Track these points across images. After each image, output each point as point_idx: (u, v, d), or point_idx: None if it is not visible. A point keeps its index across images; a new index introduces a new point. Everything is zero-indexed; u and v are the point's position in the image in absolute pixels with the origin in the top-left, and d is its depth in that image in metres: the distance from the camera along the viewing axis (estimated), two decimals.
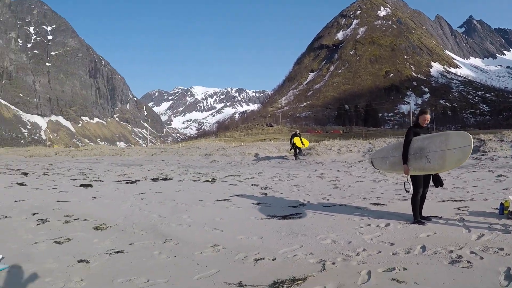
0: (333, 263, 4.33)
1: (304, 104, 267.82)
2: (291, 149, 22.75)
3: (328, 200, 8.72)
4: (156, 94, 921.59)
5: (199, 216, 7.35)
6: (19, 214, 8.37)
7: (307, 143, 22.81)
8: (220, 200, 8.80)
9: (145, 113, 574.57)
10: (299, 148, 21.94)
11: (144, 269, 4.59)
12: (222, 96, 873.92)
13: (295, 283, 3.76)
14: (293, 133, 23.35)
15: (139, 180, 13.62)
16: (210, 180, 12.45)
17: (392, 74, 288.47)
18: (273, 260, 4.57)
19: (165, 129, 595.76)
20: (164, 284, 4.09)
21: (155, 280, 4.21)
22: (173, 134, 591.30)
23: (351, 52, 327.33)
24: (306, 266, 4.30)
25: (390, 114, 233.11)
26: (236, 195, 9.37)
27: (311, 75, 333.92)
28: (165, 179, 13.16)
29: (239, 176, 12.96)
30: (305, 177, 13.25)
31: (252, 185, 11.38)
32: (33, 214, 8.29)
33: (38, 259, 5.24)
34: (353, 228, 5.89)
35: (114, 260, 5.00)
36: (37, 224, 7.34)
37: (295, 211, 7.49)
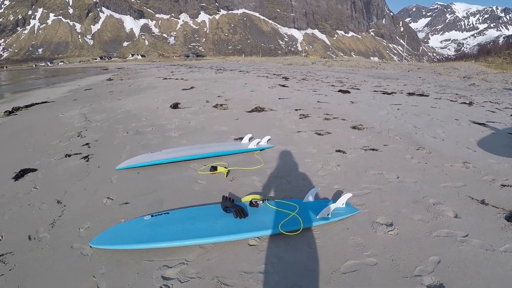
0: None
1: None
2: None
3: None
4: (414, 9, 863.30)
5: (453, 133, 7.18)
6: (283, 109, 9.66)
7: None
8: (476, 123, 8.32)
9: (401, 29, 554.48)
10: None
11: (396, 167, 4.92)
12: (486, 16, 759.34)
13: None
14: None
15: (395, 93, 13.66)
16: (467, 102, 11.73)
17: None
18: None
19: (421, 48, 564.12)
20: (412, 183, 4.36)
21: (404, 179, 4.52)
22: (429, 53, 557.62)
23: None
24: None
25: None
26: (493, 122, 8.72)
27: None
28: (421, 95, 12.89)
29: (498, 104, 11.81)
30: None
31: None
32: (296, 110, 9.47)
33: (300, 144, 6.19)
34: None
35: (368, 155, 5.50)
36: (299, 118, 8.42)
37: None
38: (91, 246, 3.11)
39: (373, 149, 5.79)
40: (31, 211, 3.89)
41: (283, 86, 15.95)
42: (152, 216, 3.45)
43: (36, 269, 2.87)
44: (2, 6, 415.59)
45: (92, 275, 2.76)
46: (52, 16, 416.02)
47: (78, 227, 3.47)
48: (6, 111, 11.00)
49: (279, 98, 11.64)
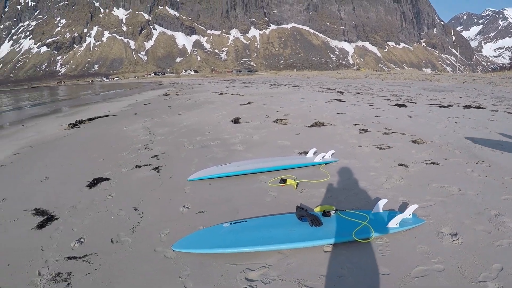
0: None
1: None
2: None
3: None
4: (465, 17, 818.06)
5: None
6: (342, 124, 9.83)
7: None
8: None
9: (453, 38, 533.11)
10: None
11: (457, 181, 4.99)
12: None
13: None
14: None
15: (451, 106, 13.38)
16: None
17: None
18: None
19: (474, 57, 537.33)
20: (474, 196, 4.44)
21: (466, 191, 4.59)
22: (483, 63, 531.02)
23: None
24: None
25: None
26: None
27: None
28: (478, 107, 12.56)
29: None
30: None
31: None
32: (355, 125, 9.62)
33: (363, 158, 6.35)
34: None
35: (430, 169, 5.59)
36: (360, 132, 8.57)
37: None
38: (173, 250, 3.37)
39: (434, 163, 5.86)
40: (110, 216, 4.25)
41: (339, 100, 16.06)
42: (231, 223, 3.72)
43: (121, 269, 3.16)
44: (59, 24, 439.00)
45: (178, 276, 3.01)
46: (106, 33, 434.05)
47: (159, 233, 3.77)
48: (70, 124, 11.75)
49: (337, 113, 11.78)
